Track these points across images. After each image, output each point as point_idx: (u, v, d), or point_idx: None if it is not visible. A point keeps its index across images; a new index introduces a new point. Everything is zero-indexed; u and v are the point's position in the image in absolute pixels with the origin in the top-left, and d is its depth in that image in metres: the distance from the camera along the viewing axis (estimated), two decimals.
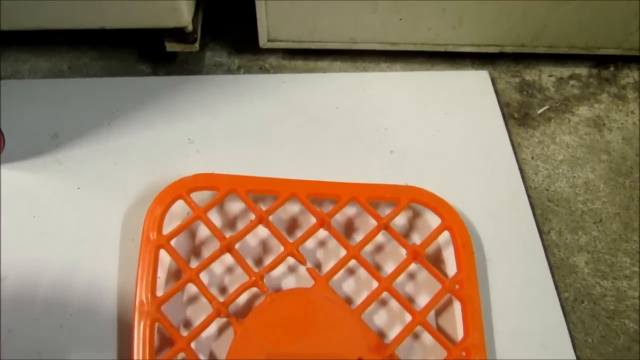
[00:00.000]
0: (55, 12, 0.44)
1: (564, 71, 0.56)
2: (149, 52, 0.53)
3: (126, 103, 0.48)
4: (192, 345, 0.36)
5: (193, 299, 0.39)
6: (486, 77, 0.53)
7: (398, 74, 0.53)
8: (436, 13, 0.48)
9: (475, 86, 0.52)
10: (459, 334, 0.39)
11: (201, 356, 0.36)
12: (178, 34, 0.47)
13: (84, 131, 0.46)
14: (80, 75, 0.52)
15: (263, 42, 0.50)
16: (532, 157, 0.50)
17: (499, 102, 0.52)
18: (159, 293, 0.37)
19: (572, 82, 0.56)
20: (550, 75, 0.56)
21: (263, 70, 0.53)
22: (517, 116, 0.52)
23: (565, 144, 0.51)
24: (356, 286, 0.41)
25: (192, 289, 0.39)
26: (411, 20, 0.49)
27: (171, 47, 0.48)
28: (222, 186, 0.41)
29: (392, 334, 0.38)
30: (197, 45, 0.48)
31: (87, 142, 0.46)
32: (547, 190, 0.48)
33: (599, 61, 0.57)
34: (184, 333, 0.36)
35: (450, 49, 0.53)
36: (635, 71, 0.57)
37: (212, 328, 0.38)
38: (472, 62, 0.56)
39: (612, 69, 0.57)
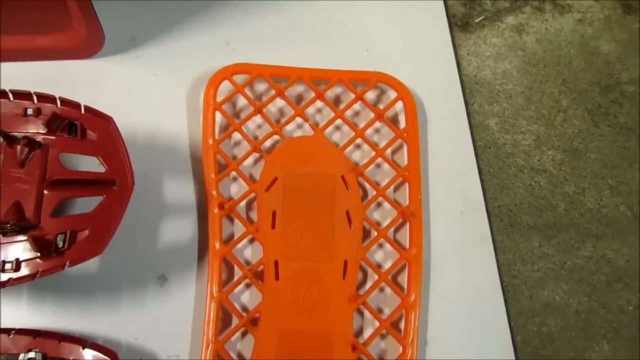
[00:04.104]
0: None
1: None
2: None
3: (179, 15, 0.68)
4: (240, 167, 0.58)
5: (237, 143, 0.61)
6: None
7: None
8: None
9: (431, 2, 0.71)
10: (405, 163, 0.61)
11: (246, 174, 0.58)
12: None
13: (152, 35, 0.66)
14: None
15: None
16: (467, 54, 0.70)
17: (447, 14, 0.71)
18: (216, 138, 0.59)
19: None
20: None
21: None
22: (460, 24, 0.72)
23: (493, 44, 0.72)
24: (340, 135, 0.63)
25: (236, 136, 0.61)
26: None
27: None
28: (253, 71, 0.62)
29: (362, 162, 0.60)
30: None
31: (155, 43, 0.66)
32: (475, 76, 0.69)
33: None
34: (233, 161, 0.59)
35: None
36: None
37: (250, 159, 0.60)
38: None
39: None
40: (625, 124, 0.68)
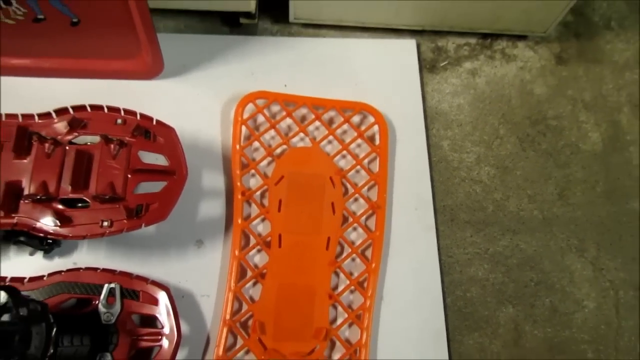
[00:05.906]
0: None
1: (461, 40, 0.98)
2: (227, 21, 0.95)
3: (217, 49, 0.90)
4: (257, 167, 0.81)
5: (256, 149, 0.84)
6: (413, 43, 0.94)
7: (365, 40, 0.95)
8: (388, 10, 0.90)
9: (406, 49, 0.94)
10: (377, 170, 0.84)
11: (261, 172, 0.81)
12: (247, 14, 0.89)
13: (198, 64, 0.89)
14: (191, 31, 0.93)
15: (291, 19, 0.92)
16: (432, 90, 0.93)
17: (419, 58, 0.94)
18: (241, 144, 0.82)
19: (465, 47, 0.98)
20: (453, 43, 0.98)
21: (290, 34, 0.95)
22: (428, 67, 0.95)
23: (452, 83, 0.94)
24: (331, 147, 0.86)
25: (255, 144, 0.84)
26: (379, 10, 0.90)
27: (244, 21, 0.90)
28: (270, 97, 0.85)
29: (346, 167, 0.83)
30: (256, 20, 0.90)
31: (200, 70, 0.88)
32: (436, 108, 0.92)
33: (484, 35, 0.98)
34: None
35: (394, 27, 0.94)
36: (504, 42, 0.98)
37: (265, 162, 0.83)
38: (410, 34, 0.97)
39: (489, 40, 0.98)
40: (546, 150, 0.91)
